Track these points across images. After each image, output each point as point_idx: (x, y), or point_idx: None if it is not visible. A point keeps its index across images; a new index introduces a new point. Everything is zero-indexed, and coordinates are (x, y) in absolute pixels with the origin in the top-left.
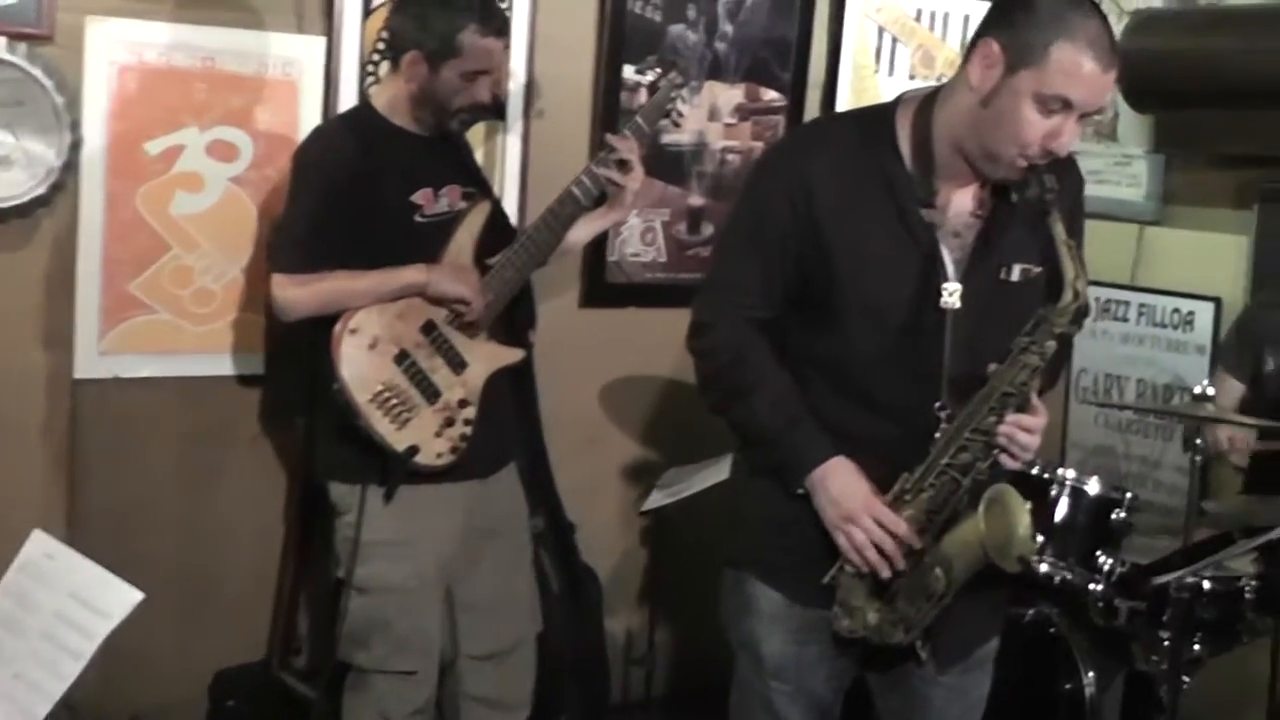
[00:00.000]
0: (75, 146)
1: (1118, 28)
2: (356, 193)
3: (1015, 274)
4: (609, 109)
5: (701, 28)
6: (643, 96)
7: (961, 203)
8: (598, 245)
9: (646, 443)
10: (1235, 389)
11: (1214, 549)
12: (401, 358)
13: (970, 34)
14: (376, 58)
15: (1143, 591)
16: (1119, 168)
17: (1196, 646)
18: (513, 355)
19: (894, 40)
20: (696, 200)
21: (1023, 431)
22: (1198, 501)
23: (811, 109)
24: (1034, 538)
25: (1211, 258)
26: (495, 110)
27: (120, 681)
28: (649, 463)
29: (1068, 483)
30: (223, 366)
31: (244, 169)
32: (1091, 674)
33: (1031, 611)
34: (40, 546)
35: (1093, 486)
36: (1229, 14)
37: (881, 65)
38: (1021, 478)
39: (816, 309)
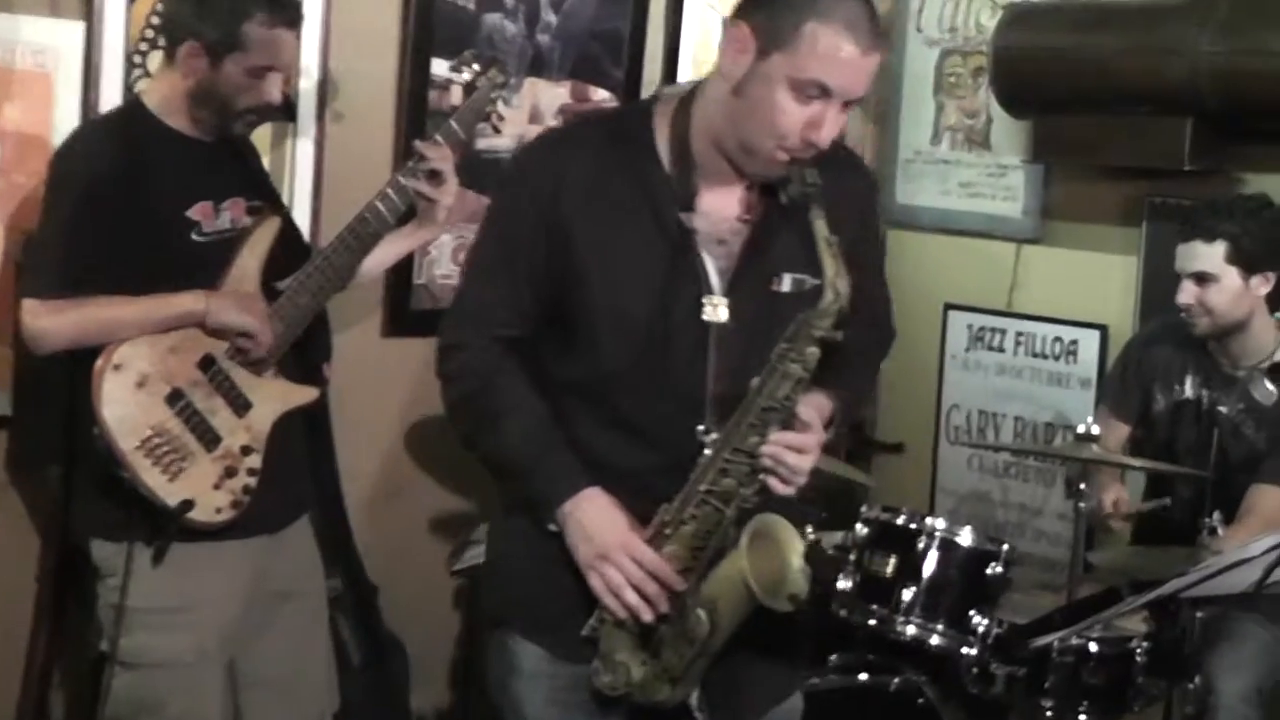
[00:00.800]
0: None
1: (990, 22)
2: (123, 206)
3: (786, 284)
4: (416, 110)
5: (521, 18)
6: (456, 96)
7: (726, 206)
8: (403, 267)
9: (461, 492)
10: (1120, 431)
11: (1100, 606)
12: (175, 398)
13: None
14: (145, 47)
15: (1022, 655)
16: (993, 179)
17: (1083, 716)
18: (305, 394)
19: None
20: None
21: (790, 451)
22: (1083, 553)
23: None
24: (808, 574)
25: (1097, 280)
26: (285, 111)
27: None
28: (463, 515)
29: (937, 534)
30: None
31: None
32: None
33: (897, 680)
34: None
35: (965, 538)
36: (1114, 9)
37: None
38: (885, 528)
39: (569, 325)
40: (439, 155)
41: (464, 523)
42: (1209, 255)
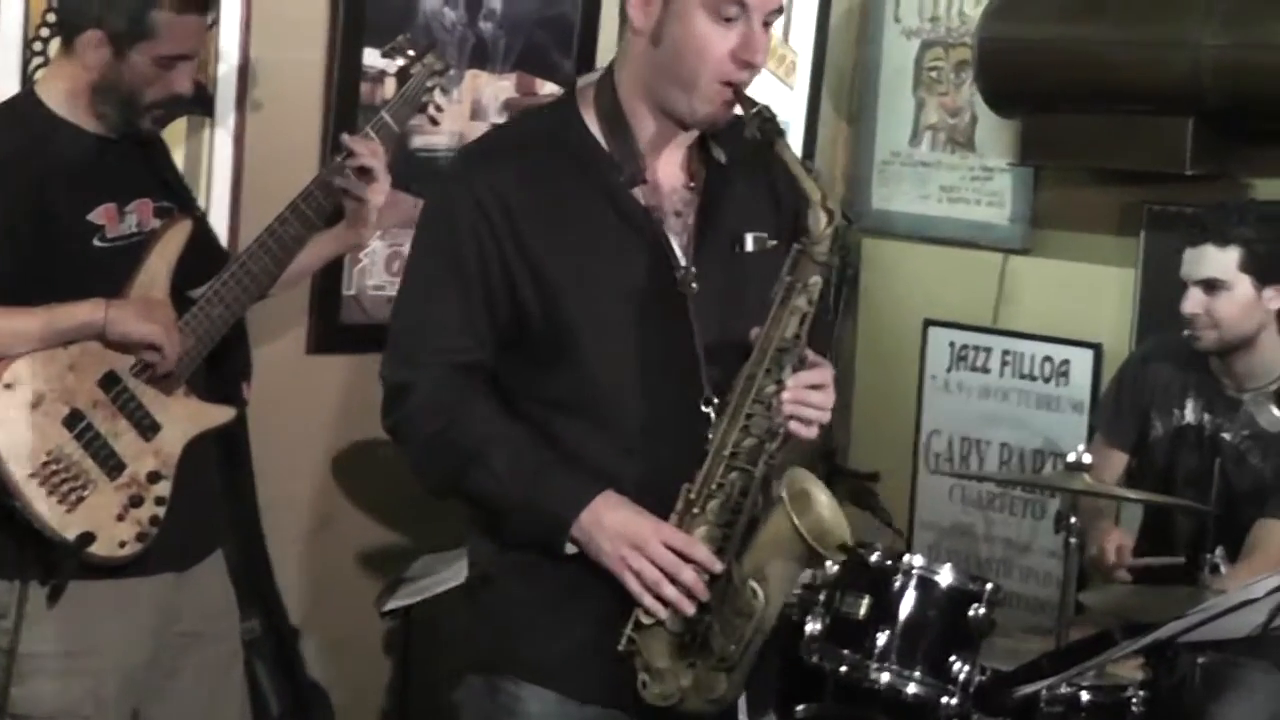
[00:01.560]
0: None
1: (975, 11)
2: (16, 209)
3: (749, 244)
4: (346, 103)
5: (462, 4)
6: (389, 88)
7: (672, 176)
8: (331, 275)
9: (392, 524)
10: (1116, 460)
11: (1092, 651)
12: (73, 420)
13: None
14: (45, 34)
15: (1007, 705)
16: (977, 183)
17: None
18: (220, 415)
19: None
20: None
21: (812, 391)
22: (1074, 594)
23: None
24: (843, 517)
25: (1090, 294)
26: (199, 103)
27: None
28: (395, 550)
29: (914, 571)
30: None
31: None
32: None
33: None
34: None
35: (945, 576)
36: None
37: None
38: (858, 565)
39: (541, 337)
40: (369, 151)
41: (395, 558)
42: (1221, 261)
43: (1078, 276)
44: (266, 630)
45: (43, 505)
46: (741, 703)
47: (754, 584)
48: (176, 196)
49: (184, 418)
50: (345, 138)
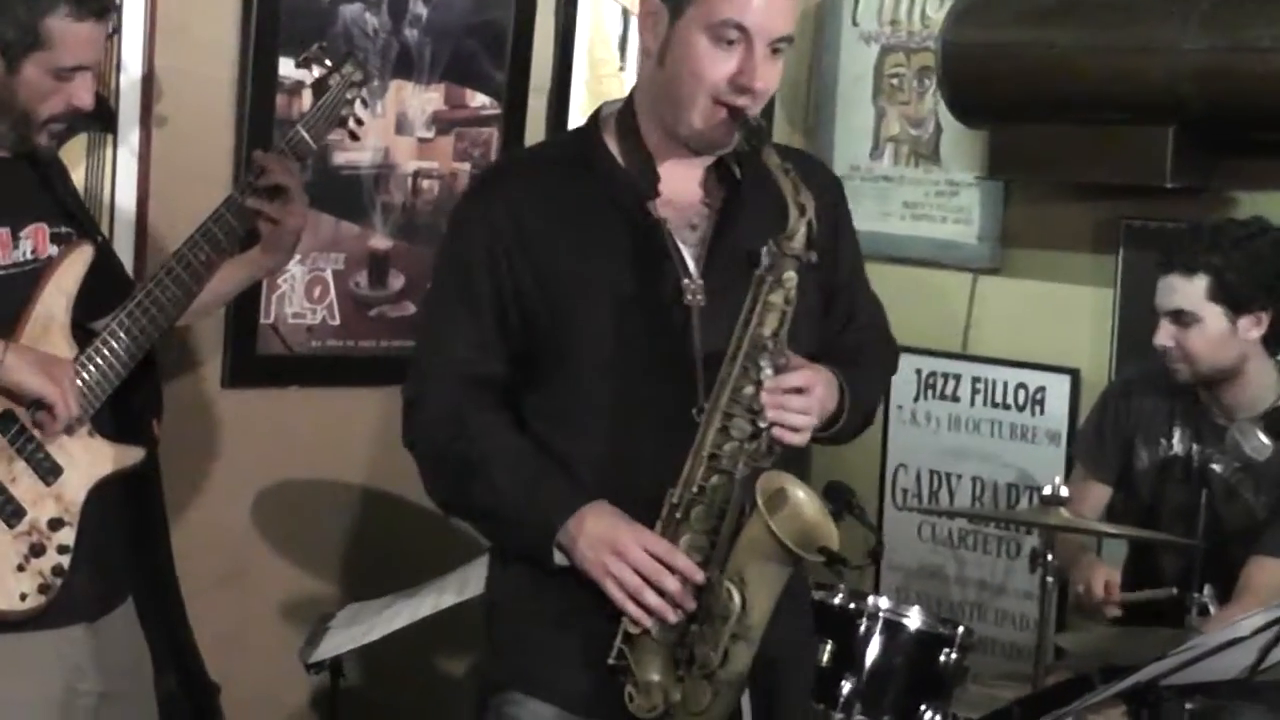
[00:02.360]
0: None
1: (938, 14)
2: None
3: (765, 261)
4: (260, 116)
5: (385, 9)
6: (307, 101)
7: (689, 193)
8: (248, 303)
9: (316, 571)
10: (1099, 495)
11: (1069, 697)
12: None
13: None
14: None
15: None
16: (942, 199)
17: None
18: (128, 456)
19: None
20: (381, 242)
21: (792, 394)
22: (1052, 636)
23: (535, 119)
24: (828, 518)
25: (1065, 317)
26: (99, 118)
27: None
28: (320, 598)
29: (881, 614)
30: None
31: None
32: None
33: None
34: None
35: (914, 619)
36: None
37: (628, 61)
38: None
39: (547, 346)
40: (283, 168)
41: (320, 606)
42: (1188, 291)
43: (1052, 297)
44: (183, 687)
45: None
46: None
47: (729, 585)
48: (75, 221)
49: (88, 460)
50: (258, 154)
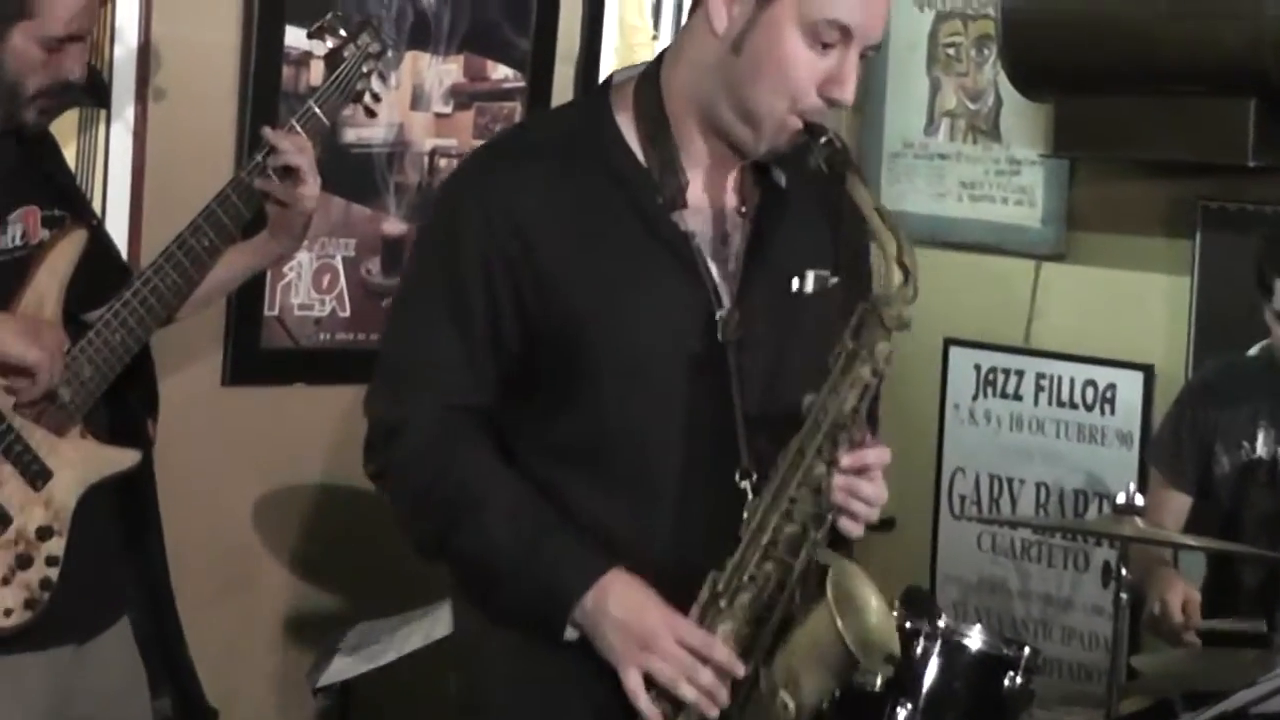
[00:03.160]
0: None
1: None
2: None
3: (810, 283)
4: (265, 90)
5: None
6: (316, 73)
7: (721, 199)
8: (251, 296)
9: (323, 583)
10: (1179, 505)
11: None
12: None
13: None
14: None
15: None
16: (1003, 178)
17: None
18: (123, 459)
19: None
20: (395, 226)
21: (866, 481)
22: (1125, 658)
23: (562, 91)
24: (894, 624)
25: (1137, 307)
26: (92, 92)
27: None
28: (327, 615)
29: (939, 634)
30: None
31: None
32: None
33: None
34: None
35: (974, 639)
36: None
37: (662, 28)
38: None
39: (553, 379)
40: (295, 147)
41: (328, 625)
42: None
43: (1122, 286)
44: (179, 711)
45: None
46: None
47: (785, 694)
48: (68, 203)
49: (80, 463)
50: (267, 132)
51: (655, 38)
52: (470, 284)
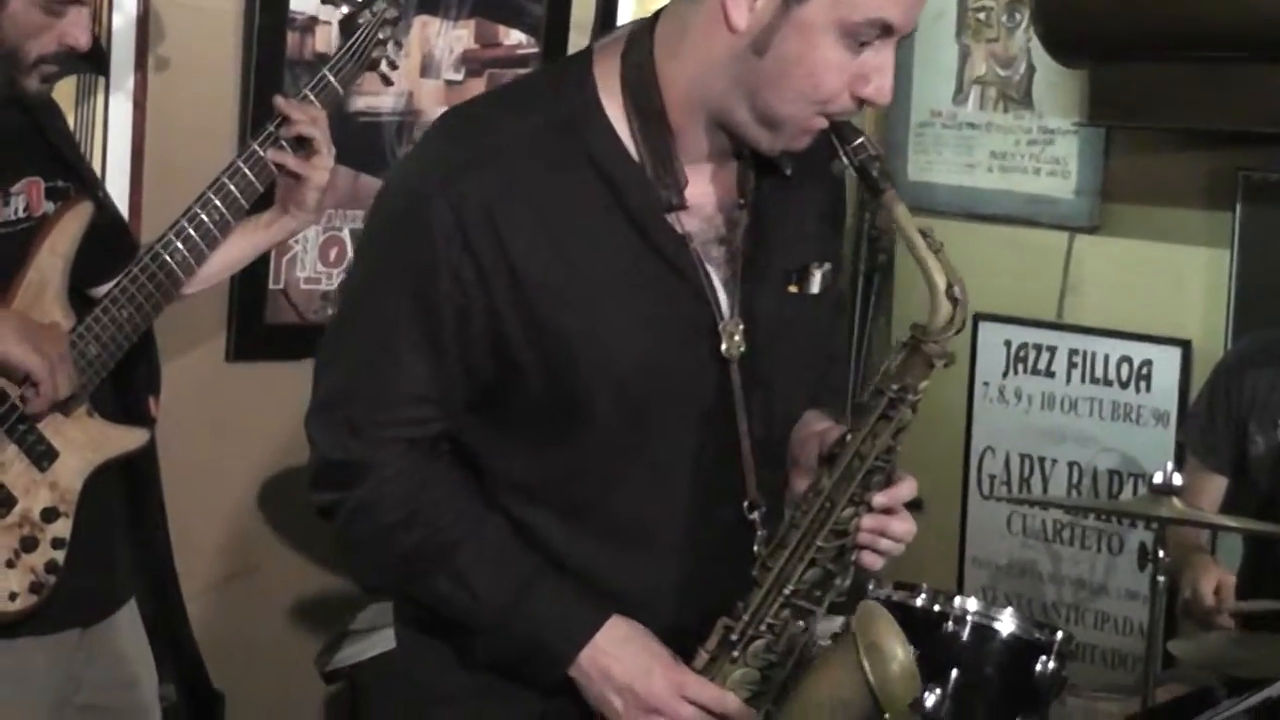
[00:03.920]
0: None
1: None
2: None
3: (816, 283)
4: (270, 58)
5: None
6: (321, 40)
7: (717, 193)
8: (254, 269)
9: (331, 566)
10: (1215, 486)
11: (1191, 712)
12: None
13: None
14: None
15: None
16: (1035, 148)
17: None
18: (130, 439)
19: None
20: None
21: (895, 519)
22: (1162, 643)
23: None
24: (916, 669)
25: (1175, 281)
26: (92, 60)
27: None
28: (335, 595)
29: (969, 619)
30: None
31: None
32: None
33: None
34: None
35: (1005, 624)
36: None
37: None
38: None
39: (535, 406)
40: (309, 117)
41: (336, 606)
42: None
43: (1159, 259)
44: (183, 696)
45: None
46: None
47: None
48: (74, 174)
49: (86, 443)
50: (279, 100)
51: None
52: (437, 301)
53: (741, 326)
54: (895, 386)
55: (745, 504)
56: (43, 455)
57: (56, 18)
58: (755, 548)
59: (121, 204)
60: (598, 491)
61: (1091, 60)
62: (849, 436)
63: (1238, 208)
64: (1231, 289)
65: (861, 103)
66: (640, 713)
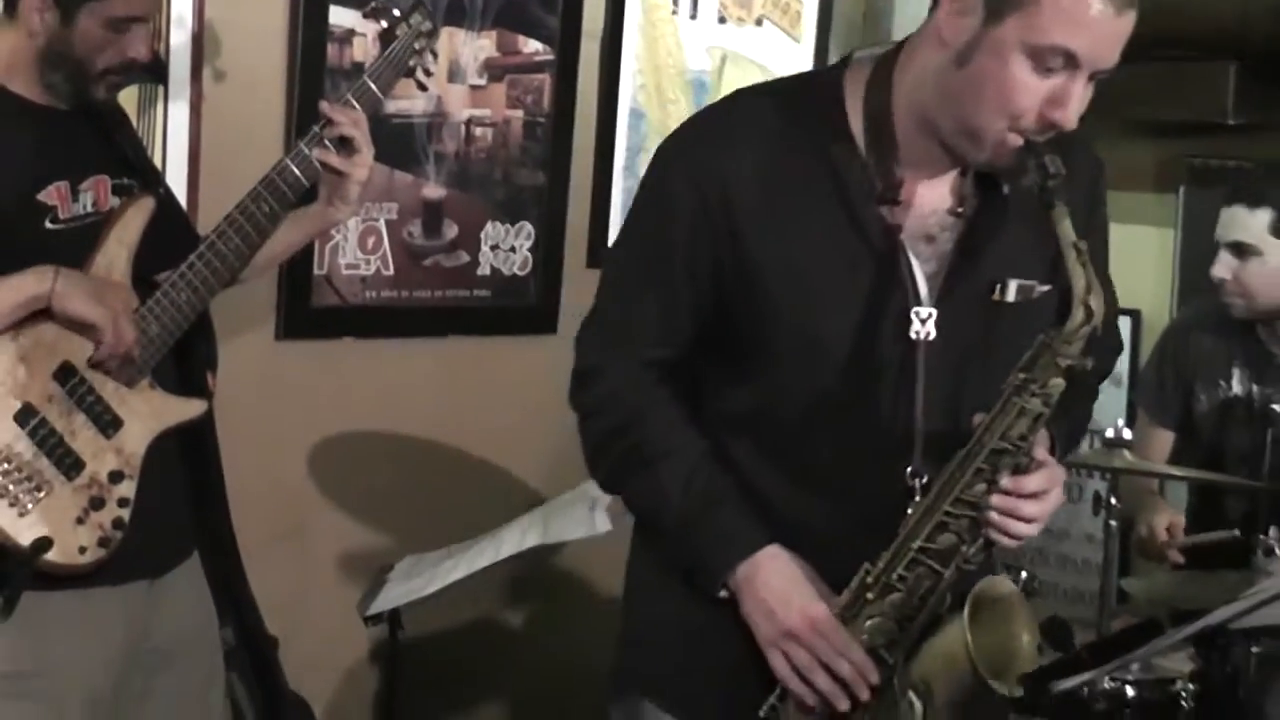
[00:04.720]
0: None
1: None
2: None
3: (1011, 292)
4: (312, 68)
5: None
6: (359, 50)
7: (935, 198)
8: (300, 256)
9: (374, 524)
10: (1163, 440)
11: (1137, 642)
12: (25, 415)
13: None
14: None
15: (1044, 702)
16: None
17: None
18: (189, 409)
19: None
20: (434, 191)
21: (1025, 500)
22: (1116, 581)
23: (588, 64)
24: (1040, 648)
25: (1126, 257)
26: (154, 71)
27: None
28: (377, 551)
29: None
30: None
31: None
32: None
33: None
34: None
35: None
36: None
37: (682, 4)
38: None
39: (739, 349)
40: (350, 120)
41: (377, 560)
42: (1250, 224)
43: (1113, 238)
44: (241, 640)
45: None
46: None
47: (913, 696)
48: (137, 172)
49: (148, 413)
50: (324, 105)
51: (675, 11)
52: (676, 246)
53: (934, 315)
54: (1022, 376)
55: (909, 470)
56: (109, 424)
57: (121, 34)
58: (909, 511)
59: (180, 200)
60: (782, 429)
61: None
62: (981, 417)
63: (1182, 190)
64: (1176, 264)
65: (1051, 125)
66: (781, 636)
